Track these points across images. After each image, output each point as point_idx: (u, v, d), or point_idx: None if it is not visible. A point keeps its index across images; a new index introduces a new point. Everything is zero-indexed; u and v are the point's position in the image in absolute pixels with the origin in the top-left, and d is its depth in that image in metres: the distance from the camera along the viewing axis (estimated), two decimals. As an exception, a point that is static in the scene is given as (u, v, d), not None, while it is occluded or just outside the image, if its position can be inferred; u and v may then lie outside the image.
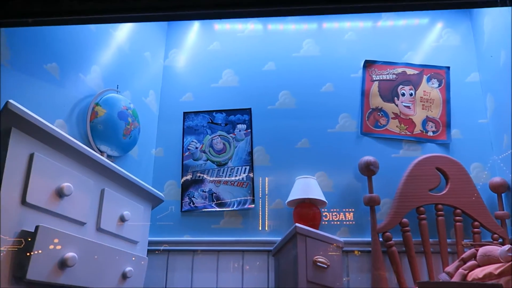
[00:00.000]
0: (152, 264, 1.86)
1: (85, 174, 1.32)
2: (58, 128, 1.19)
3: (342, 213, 1.98)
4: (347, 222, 1.97)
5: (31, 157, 1.11)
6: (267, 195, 2.03)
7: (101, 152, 1.66)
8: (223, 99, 2.23)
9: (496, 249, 1.34)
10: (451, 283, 0.93)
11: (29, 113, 1.08)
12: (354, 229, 1.96)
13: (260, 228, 1.97)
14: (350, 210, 1.99)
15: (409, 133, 2.10)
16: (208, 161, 2.10)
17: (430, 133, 2.09)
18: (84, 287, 1.25)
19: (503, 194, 1.87)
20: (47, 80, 1.47)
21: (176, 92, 2.28)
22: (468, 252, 1.43)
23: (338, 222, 1.96)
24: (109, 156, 1.70)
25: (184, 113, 2.22)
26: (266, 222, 1.98)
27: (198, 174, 2.07)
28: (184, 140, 2.16)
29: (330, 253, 1.66)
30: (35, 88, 1.40)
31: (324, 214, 1.92)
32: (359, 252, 1.89)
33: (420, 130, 2.10)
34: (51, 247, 1.13)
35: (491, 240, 1.78)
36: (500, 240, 1.77)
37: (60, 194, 1.20)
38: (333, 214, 1.96)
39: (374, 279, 1.75)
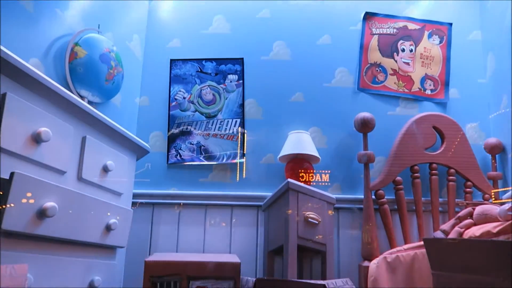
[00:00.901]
0: (137, 217, 1.80)
1: (64, 119, 1.21)
2: (33, 67, 1.06)
3: (335, 170, 1.94)
4: (340, 179, 1.93)
5: (3, 97, 0.99)
6: (258, 150, 1.96)
7: (81, 97, 1.53)
8: (213, 47, 2.09)
9: (493, 208, 1.31)
10: (459, 239, 0.89)
11: (-2, 46, 0.95)
12: (346, 186, 1.93)
13: (250, 183, 1.91)
14: (343, 167, 1.95)
15: (406, 91, 2.03)
16: (197, 112, 1.99)
17: (428, 91, 2.03)
18: (65, 239, 1.17)
19: (497, 155, 1.86)
20: (20, 13, 1.31)
21: (162, 37, 2.12)
22: (465, 211, 1.41)
23: (331, 179, 1.92)
24: (90, 102, 1.57)
25: (171, 60, 2.07)
26: (257, 177, 1.92)
27: (186, 126, 1.97)
28: (171, 89, 2.03)
29: (321, 210, 1.62)
30: (4, 22, 1.24)
31: (317, 170, 1.87)
32: (356, 210, 1.86)
33: (418, 88, 2.03)
34: (29, 195, 1.04)
35: (482, 200, 1.78)
36: (491, 200, 1.76)
37: (37, 139, 1.09)
38: (326, 170, 1.91)
39: (364, 236, 1.74)
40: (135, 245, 1.76)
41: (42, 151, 1.11)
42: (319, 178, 1.84)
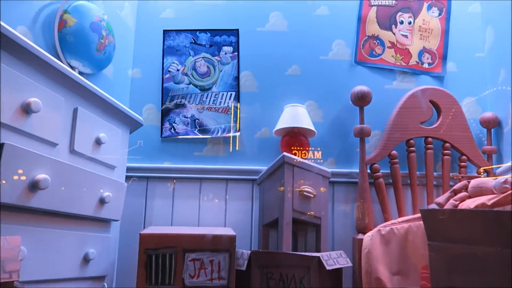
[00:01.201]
0: (130, 191, 1.78)
1: (55, 90, 1.17)
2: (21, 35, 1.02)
3: (330, 144, 1.93)
4: (335, 153, 1.93)
5: (-11, 65, 0.95)
6: (253, 123, 1.93)
7: (72, 68, 1.49)
8: (208, 18, 2.03)
9: (489, 181, 1.32)
10: (456, 209, 0.88)
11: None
12: (342, 160, 1.92)
13: (245, 157, 1.89)
14: (339, 141, 1.94)
15: (404, 64, 2.00)
16: (191, 85, 1.95)
17: (426, 65, 2.00)
18: (59, 212, 1.16)
19: (492, 130, 1.86)
20: (4, -22, 1.24)
21: (154, 7, 2.05)
22: (460, 184, 1.41)
23: (326, 153, 1.91)
24: (81, 73, 1.52)
25: (164, 31, 2.01)
26: (252, 150, 1.90)
27: (180, 99, 1.93)
28: (164, 61, 1.98)
29: (316, 183, 1.62)
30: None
31: (312, 144, 1.85)
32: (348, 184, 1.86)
33: (416, 62, 2.00)
34: (20, 167, 1.02)
35: (476, 174, 1.79)
36: (485, 174, 1.77)
37: (27, 110, 1.06)
38: (322, 144, 1.90)
39: (359, 210, 1.74)
40: (129, 219, 1.76)
41: (33, 123, 1.08)
42: (315, 152, 1.83)
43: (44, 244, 1.12)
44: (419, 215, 1.39)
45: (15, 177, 1.00)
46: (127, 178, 1.65)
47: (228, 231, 1.37)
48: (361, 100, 1.80)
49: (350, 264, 1.55)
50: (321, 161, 1.84)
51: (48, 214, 1.14)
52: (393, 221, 1.55)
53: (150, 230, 1.33)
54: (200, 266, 1.29)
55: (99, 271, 1.36)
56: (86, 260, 1.28)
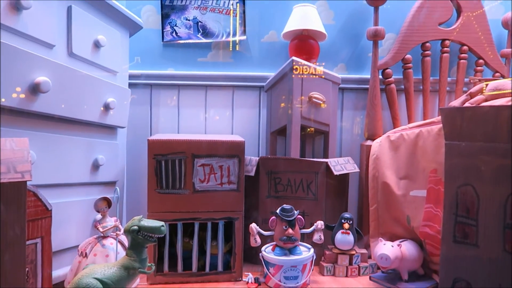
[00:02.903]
0: (135, 98, 1.74)
1: (44, -16, 1.06)
2: None
3: (341, 48, 1.83)
4: (346, 58, 1.84)
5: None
6: (260, 26, 1.81)
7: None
8: None
9: (507, 83, 1.26)
10: (477, 107, 0.84)
11: None
12: (352, 66, 1.84)
13: (251, 63, 1.81)
14: (350, 45, 1.83)
15: (425, -43, 1.81)
16: (192, -17, 1.79)
17: (449, -42, 1.81)
18: (64, 117, 1.13)
19: (514, 31, 1.75)
20: None
21: None
22: (476, 86, 1.35)
23: (337, 58, 1.82)
24: (71, -32, 1.38)
25: None
26: (259, 55, 1.81)
27: None
28: (161, -44, 1.80)
29: (326, 89, 1.57)
30: None
31: (322, 48, 1.76)
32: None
33: (438, -46, 1.81)
34: (18, 68, 0.96)
35: (493, 78, 1.72)
36: (502, 78, 1.70)
37: (17, 6, 0.97)
38: (332, 48, 1.80)
39: (368, 116, 1.71)
40: (136, 127, 1.74)
41: (25, 20, 1.00)
42: (325, 56, 1.74)
43: (52, 149, 1.11)
44: (430, 120, 1.36)
45: (15, 80, 0.95)
46: (130, 85, 1.59)
47: (236, 138, 1.35)
48: (377, -2, 1.66)
49: (357, 170, 1.56)
50: (335, 58, 1.75)
51: (54, 119, 1.11)
52: (403, 127, 1.52)
53: (158, 136, 1.31)
54: (210, 171, 1.30)
55: (110, 177, 1.38)
56: (95, 166, 1.29)
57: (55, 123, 1.12)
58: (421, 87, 1.75)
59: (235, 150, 1.30)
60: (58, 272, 1.14)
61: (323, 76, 1.55)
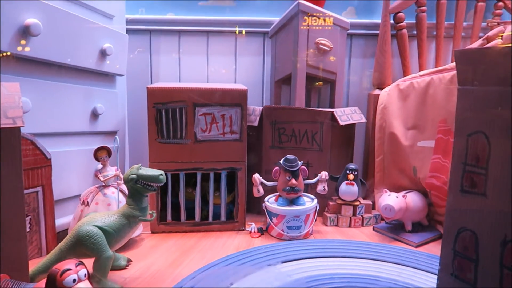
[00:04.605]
0: (132, 45, 1.67)
1: None
2: None
3: (351, -10, 1.72)
4: (355, 1, 1.73)
5: None
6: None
7: None
8: None
9: (529, 28, 1.18)
10: (496, 47, 0.78)
11: None
12: (362, 10, 1.73)
13: (255, 6, 1.71)
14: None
15: None
16: None
17: None
18: (58, 63, 1.08)
19: (539, -29, 1.62)
20: None
21: None
22: (495, 30, 1.27)
23: (345, 1, 1.71)
24: None
25: None
26: (263, -1, 1.72)
27: None
28: None
29: (334, 35, 1.49)
30: None
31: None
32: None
33: None
34: (6, 10, 0.90)
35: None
36: (521, 24, 1.60)
37: None
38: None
39: (377, 64, 1.64)
40: (135, 76, 1.69)
41: (8, -44, 0.93)
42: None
43: (48, 96, 1.07)
44: (443, 67, 1.29)
45: (3, 21, 0.90)
46: (128, 31, 1.52)
47: (239, 86, 1.30)
48: None
49: (364, 120, 1.52)
50: (343, 2, 1.65)
51: (47, 65, 1.07)
52: (413, 75, 1.45)
53: (158, 84, 1.27)
54: (212, 120, 1.26)
55: (110, 127, 1.35)
56: (95, 114, 1.26)
57: (51, 70, 1.08)
58: (435, 33, 1.65)
59: (237, 99, 1.26)
60: (62, 220, 1.14)
61: (330, 21, 1.47)
